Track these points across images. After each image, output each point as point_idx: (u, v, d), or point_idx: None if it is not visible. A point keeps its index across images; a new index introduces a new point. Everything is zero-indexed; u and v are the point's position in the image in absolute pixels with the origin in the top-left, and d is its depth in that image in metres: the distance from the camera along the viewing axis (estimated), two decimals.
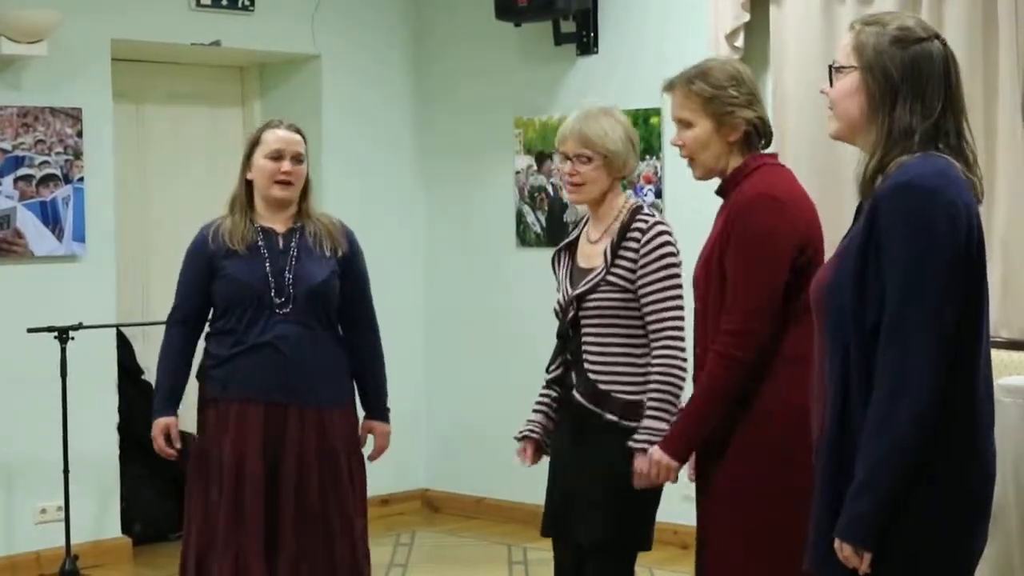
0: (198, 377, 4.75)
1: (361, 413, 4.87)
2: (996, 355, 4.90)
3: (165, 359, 4.75)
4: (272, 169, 4.61)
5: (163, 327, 4.86)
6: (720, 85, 3.69)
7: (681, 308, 4.10)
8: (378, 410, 4.85)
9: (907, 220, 2.74)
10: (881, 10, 5.86)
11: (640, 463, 3.95)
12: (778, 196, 3.62)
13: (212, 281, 4.64)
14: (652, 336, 4.08)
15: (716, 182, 3.82)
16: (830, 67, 2.95)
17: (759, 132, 3.74)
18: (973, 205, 2.82)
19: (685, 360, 4.07)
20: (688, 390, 3.98)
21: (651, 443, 3.92)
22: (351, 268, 4.73)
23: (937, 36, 2.91)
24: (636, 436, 4.00)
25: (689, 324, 3.97)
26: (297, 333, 4.58)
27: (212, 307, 4.72)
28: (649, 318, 4.08)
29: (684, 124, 3.75)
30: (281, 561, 4.55)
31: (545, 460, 4.34)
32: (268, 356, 4.57)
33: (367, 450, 4.87)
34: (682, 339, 4.08)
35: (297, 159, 4.65)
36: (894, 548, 2.75)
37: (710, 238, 3.76)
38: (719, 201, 3.82)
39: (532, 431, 4.30)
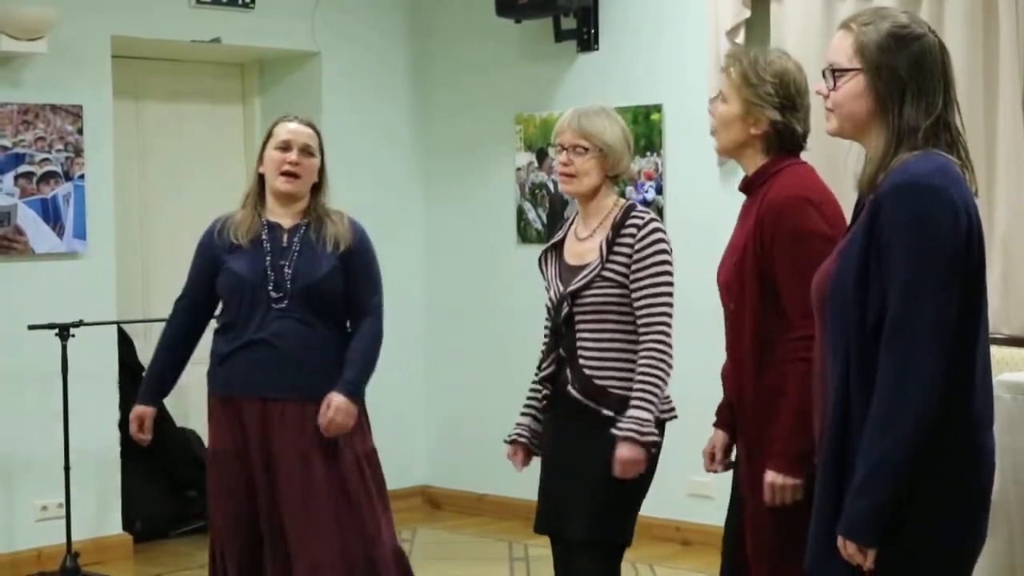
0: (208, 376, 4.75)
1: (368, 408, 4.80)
2: (996, 351, 4.89)
3: (159, 347, 4.78)
4: (279, 159, 4.60)
5: (163, 324, 4.86)
6: (761, 78, 3.68)
7: (671, 305, 4.10)
8: (342, 384, 4.57)
9: (910, 219, 2.74)
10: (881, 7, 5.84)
11: (624, 451, 3.98)
12: (815, 198, 3.63)
13: (217, 275, 4.65)
14: (642, 329, 4.09)
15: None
16: (830, 70, 2.93)
17: (782, 137, 3.71)
18: (972, 202, 2.82)
19: (671, 355, 4.08)
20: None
21: (638, 432, 3.96)
22: (356, 263, 4.67)
23: (930, 29, 2.91)
24: (620, 425, 4.01)
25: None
26: (294, 329, 4.57)
27: (216, 302, 4.72)
28: (640, 312, 4.09)
29: (721, 97, 3.77)
30: (280, 558, 4.55)
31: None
32: (264, 352, 4.56)
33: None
34: (670, 334, 4.09)
35: (306, 151, 4.63)
36: (897, 544, 2.76)
37: (738, 237, 3.75)
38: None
39: (520, 435, 4.32)
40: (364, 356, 4.66)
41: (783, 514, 3.60)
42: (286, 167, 4.59)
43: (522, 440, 4.31)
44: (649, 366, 4.05)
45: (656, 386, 4.05)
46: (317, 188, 4.71)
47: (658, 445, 4.07)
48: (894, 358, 2.73)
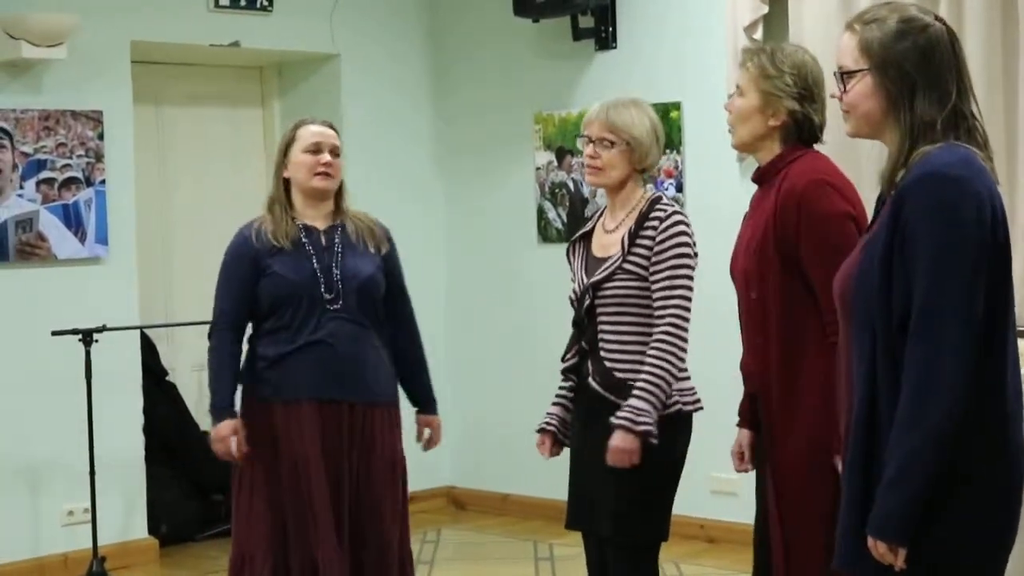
0: (242, 380, 4.69)
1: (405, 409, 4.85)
2: (1021, 345, 4.86)
3: (222, 363, 4.61)
4: (312, 162, 4.62)
5: (186, 328, 4.86)
6: (780, 69, 3.71)
7: (687, 298, 4.08)
8: (432, 404, 4.89)
9: (934, 211, 2.72)
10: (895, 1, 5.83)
11: (616, 439, 3.98)
12: (834, 182, 3.67)
13: (258, 281, 4.59)
14: (656, 318, 4.07)
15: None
16: (839, 73, 2.91)
17: (801, 128, 3.73)
18: (997, 193, 2.80)
19: (683, 347, 4.06)
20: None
21: (632, 421, 3.95)
22: (392, 265, 4.77)
23: (936, 16, 2.89)
24: (619, 413, 4.01)
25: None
26: (348, 330, 4.58)
27: (257, 307, 4.63)
28: (656, 303, 4.07)
29: (739, 91, 3.78)
30: (344, 555, 4.56)
31: (567, 452, 4.35)
32: (322, 353, 4.55)
33: (415, 445, 4.88)
34: (682, 327, 4.06)
35: (335, 152, 4.67)
36: (927, 543, 2.73)
37: (752, 226, 3.75)
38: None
39: (548, 423, 4.32)
40: (427, 369, 4.89)
41: (808, 507, 3.60)
42: (321, 168, 4.62)
43: (550, 429, 4.31)
44: (657, 357, 4.03)
45: (661, 377, 4.02)
46: (340, 189, 4.73)
47: (654, 435, 4.00)
48: (921, 352, 2.70)
